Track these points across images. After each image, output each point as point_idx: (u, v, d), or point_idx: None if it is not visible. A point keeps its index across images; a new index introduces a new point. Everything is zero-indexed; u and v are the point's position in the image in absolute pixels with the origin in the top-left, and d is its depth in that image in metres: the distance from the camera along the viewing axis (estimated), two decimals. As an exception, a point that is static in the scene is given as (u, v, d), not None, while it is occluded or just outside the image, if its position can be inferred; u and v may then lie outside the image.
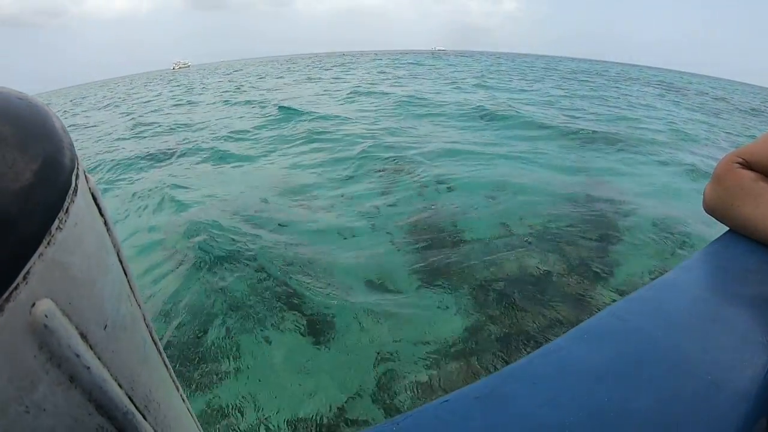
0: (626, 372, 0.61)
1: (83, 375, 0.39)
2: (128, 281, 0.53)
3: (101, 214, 0.46)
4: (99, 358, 0.42)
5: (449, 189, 7.21)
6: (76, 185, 0.40)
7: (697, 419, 0.54)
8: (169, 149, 12.52)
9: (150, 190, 8.93)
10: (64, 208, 0.37)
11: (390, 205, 6.79)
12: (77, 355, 0.38)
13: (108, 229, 0.47)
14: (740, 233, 0.99)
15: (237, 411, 3.19)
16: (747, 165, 1.05)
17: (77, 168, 0.41)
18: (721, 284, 0.87)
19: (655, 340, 0.68)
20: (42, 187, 0.35)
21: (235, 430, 3.06)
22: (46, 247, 0.34)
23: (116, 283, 0.48)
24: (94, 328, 0.41)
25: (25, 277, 0.33)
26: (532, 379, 0.59)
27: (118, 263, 0.50)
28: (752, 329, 0.71)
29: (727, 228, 1.03)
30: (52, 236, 0.35)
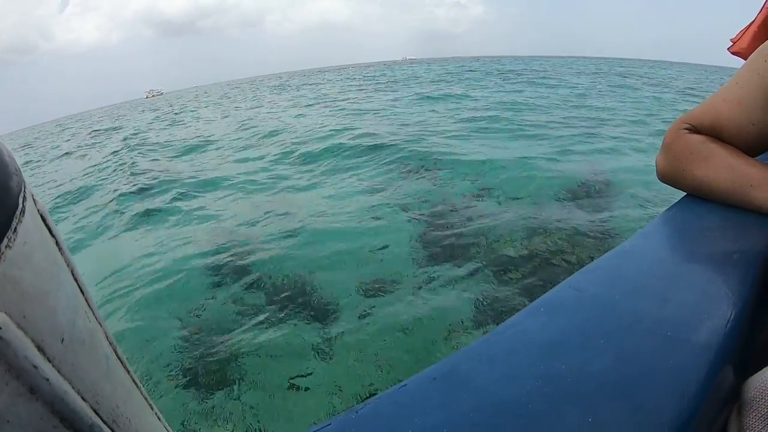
0: (583, 339, 0.63)
1: (43, 386, 0.41)
2: (85, 298, 0.54)
3: (51, 234, 0.48)
4: (58, 371, 0.43)
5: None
6: (23, 207, 0.42)
7: (656, 374, 0.56)
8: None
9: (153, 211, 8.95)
10: (12, 227, 0.39)
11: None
12: (35, 367, 0.39)
13: (59, 248, 0.49)
14: (696, 196, 1.03)
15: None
16: (694, 129, 1.08)
17: (24, 191, 0.43)
18: (679, 245, 0.89)
19: (613, 306, 0.69)
20: None
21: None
22: None
23: (70, 298, 0.49)
24: (50, 340, 0.43)
25: None
26: (489, 356, 0.60)
27: (72, 280, 0.52)
28: (713, 283, 0.72)
29: (684, 194, 1.07)
30: (2, 253, 0.37)
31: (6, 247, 0.38)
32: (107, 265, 6.33)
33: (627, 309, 0.68)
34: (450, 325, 3.92)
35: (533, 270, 4.69)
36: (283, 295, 4.72)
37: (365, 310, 4.28)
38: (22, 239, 0.41)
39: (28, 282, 0.41)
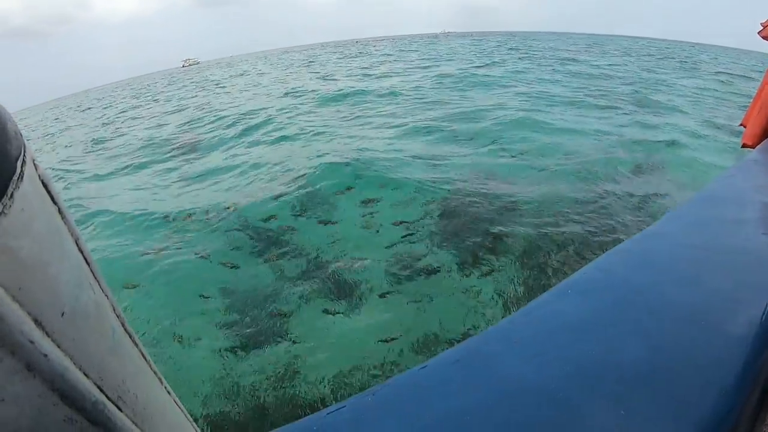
0: (612, 324, 0.60)
1: (41, 363, 0.38)
2: (90, 269, 0.52)
3: (54, 202, 0.45)
4: (58, 346, 0.41)
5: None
6: (21, 172, 0.39)
7: (691, 365, 0.52)
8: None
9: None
10: (9, 193, 0.36)
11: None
12: (32, 342, 0.37)
13: (63, 217, 0.46)
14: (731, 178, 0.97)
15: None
16: None
17: (23, 155, 0.40)
18: (710, 230, 0.85)
19: (642, 290, 0.66)
20: None
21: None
22: None
23: (74, 269, 0.46)
24: (49, 314, 0.40)
25: None
26: (514, 339, 0.58)
27: (77, 250, 0.49)
28: (748, 270, 0.68)
29: (720, 173, 1.02)
30: None
31: (1, 213, 0.35)
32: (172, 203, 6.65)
33: (657, 293, 0.65)
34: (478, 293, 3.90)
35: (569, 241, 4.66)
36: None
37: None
38: (19, 206, 0.37)
39: (26, 252, 0.37)
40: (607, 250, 0.79)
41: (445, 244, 4.72)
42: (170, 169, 10.40)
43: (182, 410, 0.77)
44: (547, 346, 0.57)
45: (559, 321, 0.61)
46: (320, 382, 3.12)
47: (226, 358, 3.58)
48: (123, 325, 0.57)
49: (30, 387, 0.38)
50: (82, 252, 0.49)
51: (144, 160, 12.02)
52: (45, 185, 0.44)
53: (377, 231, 5.34)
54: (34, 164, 0.43)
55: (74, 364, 0.43)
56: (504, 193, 5.74)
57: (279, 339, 3.71)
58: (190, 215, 6.61)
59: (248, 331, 3.85)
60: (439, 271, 4.22)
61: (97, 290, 0.51)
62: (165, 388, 0.70)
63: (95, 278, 0.52)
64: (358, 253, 4.78)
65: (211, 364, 3.54)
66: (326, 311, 3.99)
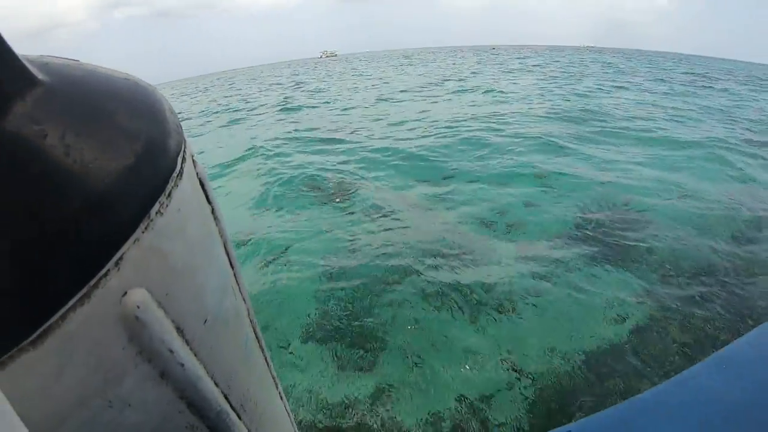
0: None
1: (176, 372, 0.36)
2: (234, 273, 0.50)
3: (209, 202, 0.44)
4: (195, 355, 0.39)
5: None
6: (181, 169, 0.37)
7: None
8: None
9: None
10: (167, 191, 0.34)
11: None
12: (171, 351, 0.35)
13: (215, 218, 0.45)
14: None
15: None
16: None
17: (184, 151, 0.38)
18: None
19: None
20: (143, 168, 0.32)
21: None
22: (143, 232, 0.31)
23: (221, 274, 0.45)
24: (192, 322, 0.38)
25: (117, 264, 0.30)
26: (666, 411, 0.53)
27: (224, 254, 0.47)
28: None
29: None
30: (151, 221, 0.32)
31: (157, 213, 0.33)
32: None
33: None
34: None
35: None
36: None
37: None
38: (176, 206, 0.35)
39: (178, 256, 0.35)
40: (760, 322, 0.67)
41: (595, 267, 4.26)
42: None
43: (289, 415, 0.76)
44: (704, 424, 0.54)
45: (715, 396, 0.55)
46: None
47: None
48: (254, 329, 0.56)
49: (160, 394, 0.36)
50: (228, 255, 0.48)
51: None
52: (202, 183, 0.42)
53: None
54: (193, 160, 0.41)
55: (207, 373, 0.41)
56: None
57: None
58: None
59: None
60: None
61: (238, 295, 0.50)
62: (279, 393, 0.69)
63: (237, 282, 0.50)
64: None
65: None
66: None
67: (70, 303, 0.28)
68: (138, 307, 0.31)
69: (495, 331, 3.45)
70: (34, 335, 0.27)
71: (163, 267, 0.34)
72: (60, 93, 0.30)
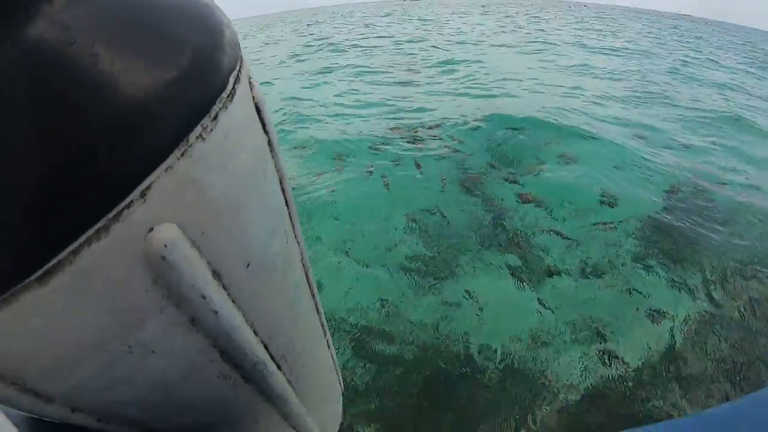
0: None
1: (208, 319, 0.32)
2: (289, 213, 0.45)
3: (265, 131, 0.38)
4: (234, 301, 0.34)
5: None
6: (233, 89, 0.31)
7: None
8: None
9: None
10: (212, 113, 0.29)
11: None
12: (203, 297, 0.30)
13: (271, 150, 0.39)
14: None
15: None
16: None
17: (239, 71, 0.33)
18: None
19: None
20: (186, 84, 0.27)
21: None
22: (178, 159, 0.26)
23: (272, 214, 0.39)
24: (232, 265, 0.34)
25: (143, 194, 0.25)
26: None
27: (280, 191, 0.42)
28: None
29: None
30: (190, 146, 0.27)
31: (198, 138, 0.28)
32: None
33: None
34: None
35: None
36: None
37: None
38: (223, 131, 0.29)
39: (220, 189, 0.30)
40: None
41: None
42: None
43: (335, 364, 0.74)
44: None
45: None
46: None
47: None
48: (306, 275, 0.52)
49: (189, 341, 0.33)
50: (284, 192, 0.43)
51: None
52: (259, 110, 0.37)
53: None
54: (250, 83, 0.36)
55: (246, 322, 0.37)
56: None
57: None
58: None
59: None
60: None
61: (291, 237, 0.45)
62: (327, 342, 0.66)
63: (291, 223, 0.45)
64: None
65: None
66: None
67: (84, 237, 0.24)
68: (165, 246, 0.27)
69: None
70: (41, 271, 0.23)
71: (200, 201, 0.29)
72: None
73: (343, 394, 0.87)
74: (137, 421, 0.36)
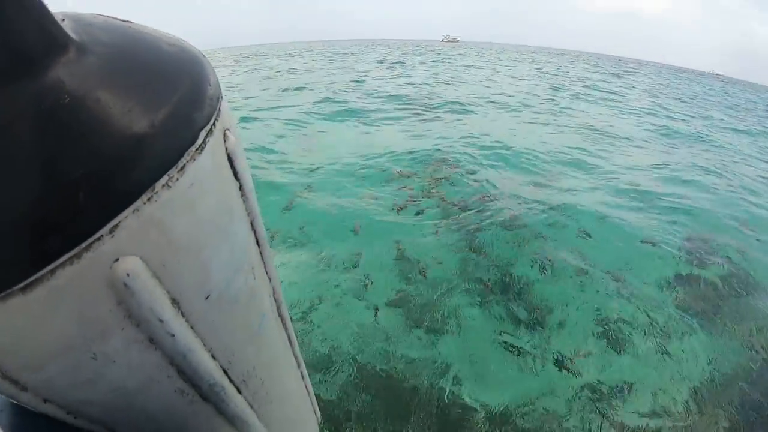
0: None
1: (166, 340, 0.37)
2: (260, 251, 0.50)
3: (236, 178, 0.43)
4: (192, 327, 0.39)
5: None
6: (203, 143, 0.36)
7: None
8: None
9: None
10: (179, 165, 0.34)
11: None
12: (160, 320, 0.35)
13: (243, 195, 0.44)
14: None
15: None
16: None
17: (212, 125, 0.38)
18: None
19: None
20: (156, 140, 0.32)
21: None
22: (144, 203, 0.32)
23: (236, 253, 0.44)
24: (191, 295, 0.39)
25: (111, 231, 0.30)
26: None
27: (249, 231, 0.47)
28: None
29: None
30: (156, 192, 0.32)
31: (163, 186, 0.32)
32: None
33: None
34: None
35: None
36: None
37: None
38: (188, 180, 0.35)
39: (181, 231, 0.35)
40: None
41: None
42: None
43: (310, 395, 0.77)
44: None
45: None
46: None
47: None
48: (278, 309, 0.56)
49: (147, 357, 0.37)
50: (255, 233, 0.48)
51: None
52: (231, 160, 0.42)
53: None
54: (225, 135, 0.40)
55: (204, 346, 0.41)
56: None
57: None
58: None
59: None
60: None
61: (259, 274, 0.50)
62: (301, 373, 0.69)
63: (262, 261, 0.50)
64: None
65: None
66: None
67: (60, 261, 0.29)
68: (128, 275, 0.32)
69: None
70: (23, 283, 0.29)
71: (162, 239, 0.34)
72: (91, 55, 0.31)
73: (320, 424, 0.89)
74: (102, 421, 0.41)
